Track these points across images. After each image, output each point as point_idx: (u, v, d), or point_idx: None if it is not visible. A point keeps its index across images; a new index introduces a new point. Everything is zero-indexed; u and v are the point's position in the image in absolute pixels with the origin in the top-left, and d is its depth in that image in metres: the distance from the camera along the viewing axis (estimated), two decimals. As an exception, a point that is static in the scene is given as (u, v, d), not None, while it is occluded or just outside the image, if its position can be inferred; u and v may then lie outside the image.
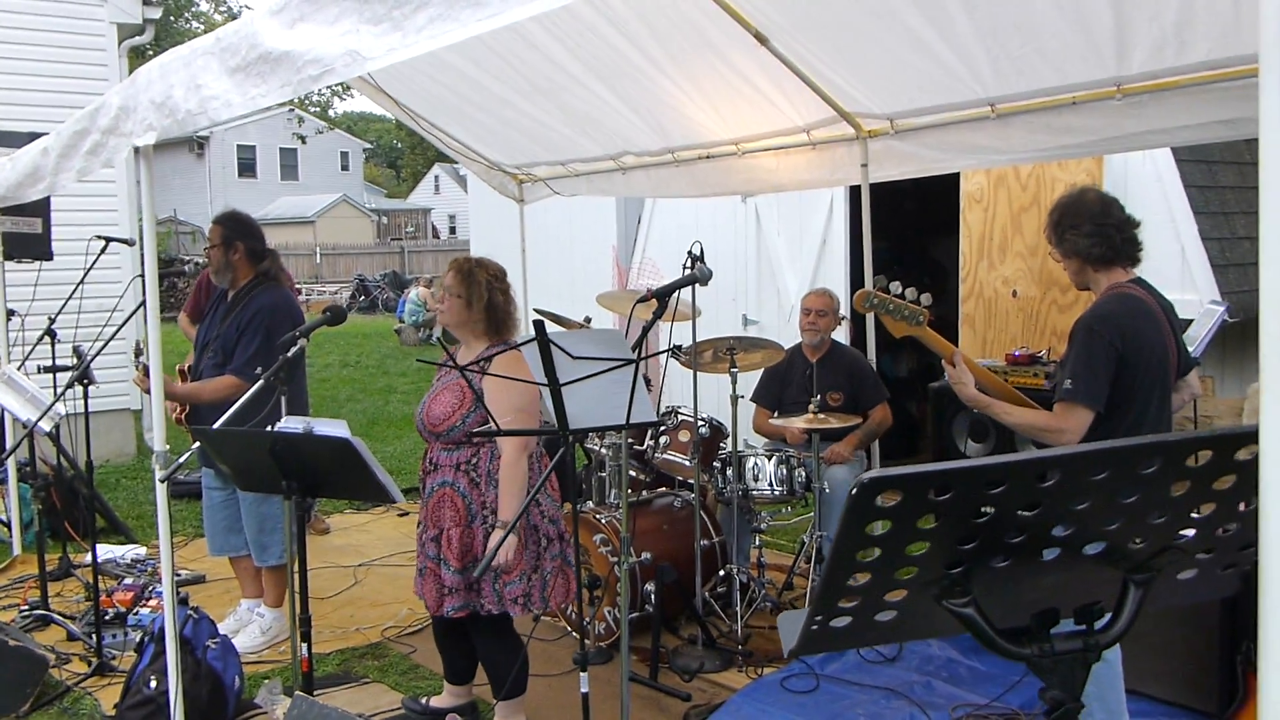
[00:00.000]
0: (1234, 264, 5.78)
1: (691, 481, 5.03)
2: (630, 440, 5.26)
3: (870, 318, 5.52)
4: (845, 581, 1.23)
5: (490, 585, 3.74)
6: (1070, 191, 3.56)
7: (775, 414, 5.54)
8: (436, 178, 49.94)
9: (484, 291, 3.80)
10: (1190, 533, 1.30)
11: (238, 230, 4.82)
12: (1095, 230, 3.38)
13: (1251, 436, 1.09)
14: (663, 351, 3.76)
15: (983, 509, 1.19)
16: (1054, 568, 1.29)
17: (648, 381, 5.76)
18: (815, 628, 1.28)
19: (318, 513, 7.18)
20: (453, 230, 46.30)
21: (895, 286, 3.50)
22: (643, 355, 2.74)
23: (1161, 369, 3.32)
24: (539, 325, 2.67)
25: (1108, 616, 1.38)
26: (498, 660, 3.88)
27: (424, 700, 4.24)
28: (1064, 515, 1.22)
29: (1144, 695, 3.97)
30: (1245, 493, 1.25)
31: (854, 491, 1.14)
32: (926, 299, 3.47)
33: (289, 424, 3.32)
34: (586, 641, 4.88)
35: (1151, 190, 5.82)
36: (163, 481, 3.61)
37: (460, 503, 3.74)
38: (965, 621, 1.30)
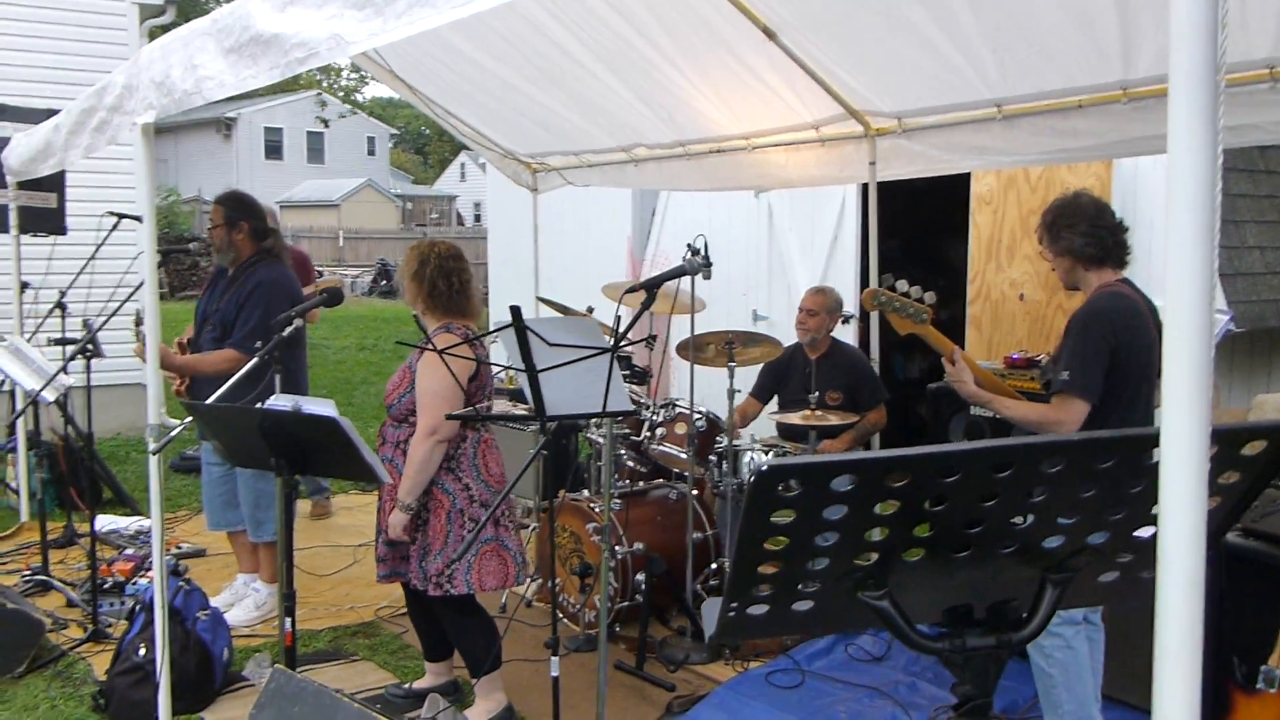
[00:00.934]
0: (1242, 273, 5.74)
1: (687, 474, 5.05)
2: (627, 431, 5.28)
3: (875, 317, 5.53)
4: (755, 569, 1.25)
5: (416, 560, 3.82)
6: (1065, 194, 3.62)
7: (763, 406, 5.60)
8: (463, 165, 50.03)
9: (427, 273, 3.84)
10: (1102, 536, 1.32)
11: (240, 210, 4.87)
12: (1090, 230, 3.49)
13: (1157, 439, 1.11)
14: (637, 341, 3.76)
15: (889, 501, 1.21)
16: (969, 563, 1.31)
17: (646, 374, 5.80)
18: (732, 614, 1.31)
19: (328, 496, 7.23)
20: (478, 218, 46.40)
21: (903, 284, 3.55)
22: (617, 345, 2.76)
23: (1149, 367, 3.40)
24: (515, 311, 2.70)
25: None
26: (465, 637, 3.95)
27: (406, 685, 4.30)
28: (972, 511, 1.24)
29: (1126, 704, 3.96)
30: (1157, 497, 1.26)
31: (753, 479, 1.16)
32: (930, 296, 3.53)
33: (277, 402, 3.37)
34: (574, 626, 4.97)
35: (1160, 195, 5.76)
36: (154, 454, 3.66)
37: (398, 479, 3.81)
38: (880, 614, 1.32)
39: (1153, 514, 1.30)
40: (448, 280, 3.85)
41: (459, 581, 3.80)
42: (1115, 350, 3.32)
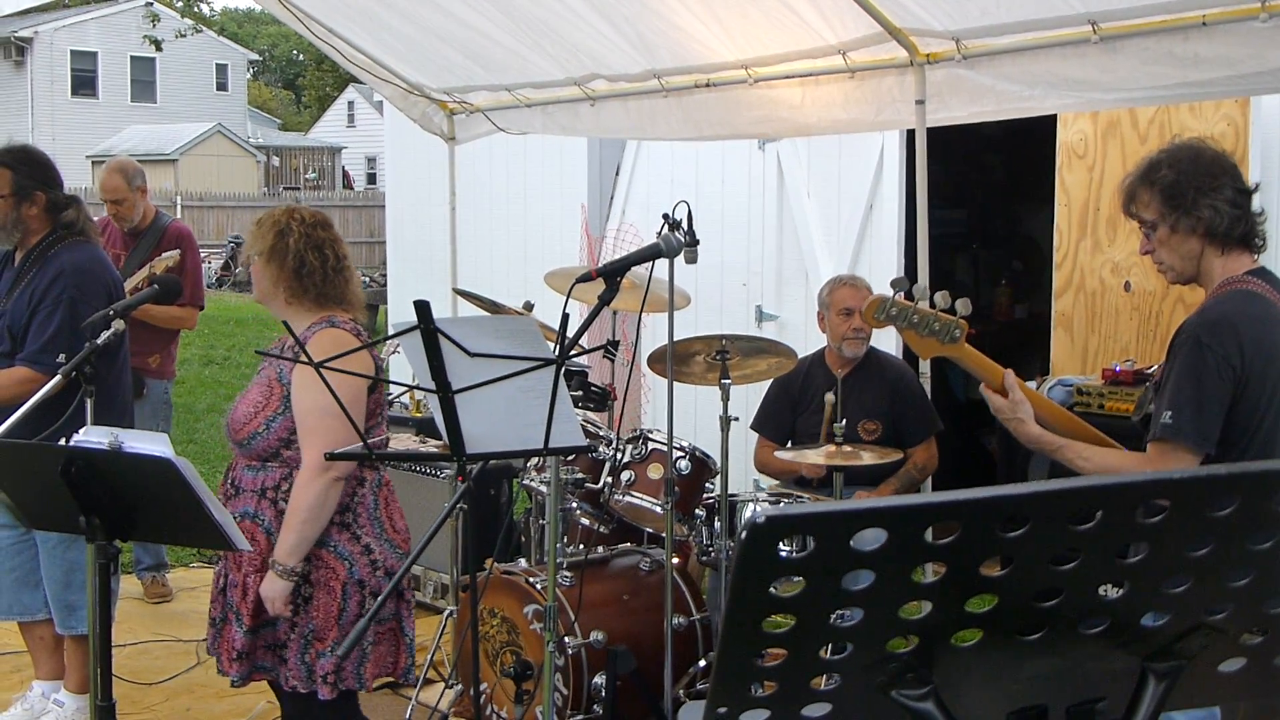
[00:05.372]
0: None
1: (664, 535, 5.06)
2: (580, 475, 5.30)
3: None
4: (750, 660, 1.28)
5: (297, 654, 3.80)
6: (1180, 143, 3.54)
7: (788, 446, 5.59)
8: (351, 104, 50.06)
9: (290, 246, 3.81)
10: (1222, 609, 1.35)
11: (36, 176, 4.82)
12: (1237, 198, 3.37)
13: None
14: (594, 350, 3.79)
15: (933, 564, 1.24)
16: (1041, 649, 1.34)
17: (607, 396, 5.82)
18: (720, 722, 1.33)
19: (167, 575, 7.22)
20: (372, 178, 46.40)
21: (922, 288, 3.50)
22: (566, 355, 2.79)
23: None
24: (422, 308, 2.72)
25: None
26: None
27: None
28: (1046, 577, 1.27)
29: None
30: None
31: (744, 536, 1.19)
32: (964, 305, 3.46)
33: (90, 436, 3.37)
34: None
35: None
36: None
37: (264, 542, 3.79)
38: None
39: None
40: (319, 254, 3.82)
41: (348, 674, 3.81)
42: (1243, 377, 3.25)
